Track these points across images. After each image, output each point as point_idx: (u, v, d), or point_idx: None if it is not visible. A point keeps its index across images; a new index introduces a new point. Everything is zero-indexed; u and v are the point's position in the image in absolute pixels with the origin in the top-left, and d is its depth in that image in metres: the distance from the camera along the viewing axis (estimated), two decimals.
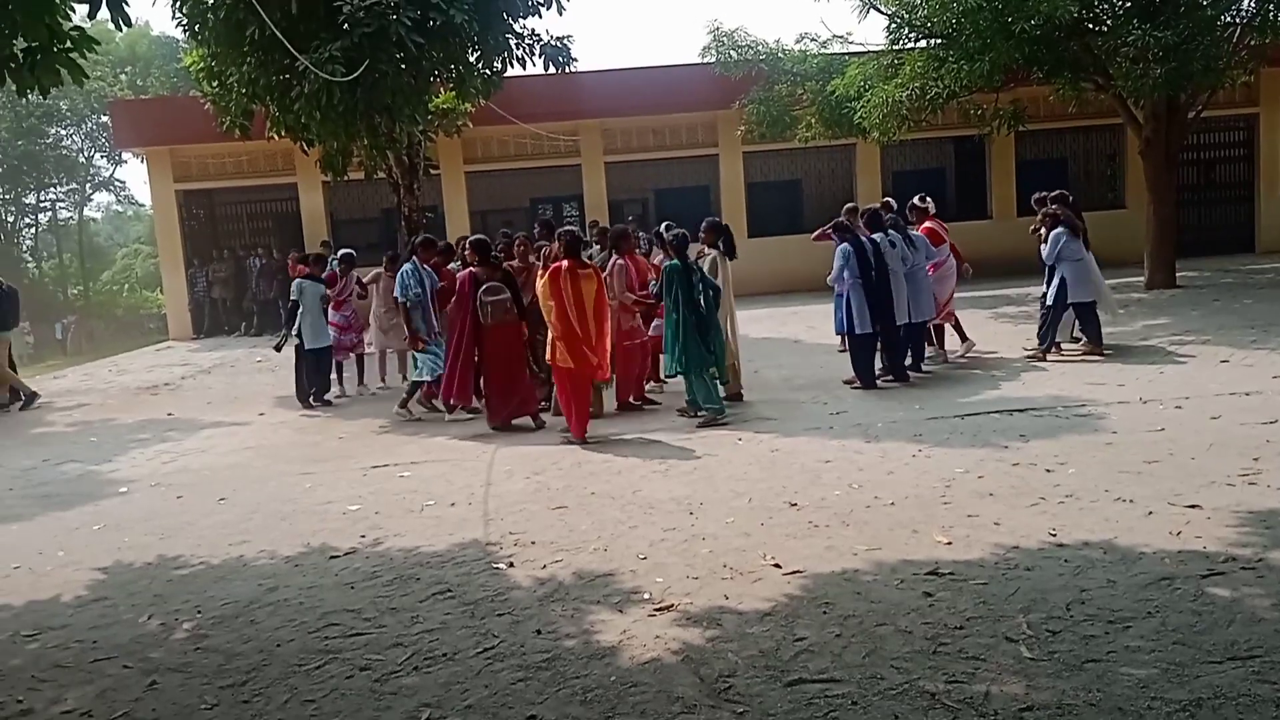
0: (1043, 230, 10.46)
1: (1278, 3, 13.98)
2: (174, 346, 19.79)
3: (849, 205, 10.92)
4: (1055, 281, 10.11)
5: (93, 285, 44.64)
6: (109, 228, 57.42)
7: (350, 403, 11.22)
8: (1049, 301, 10.25)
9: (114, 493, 7.73)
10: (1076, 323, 10.52)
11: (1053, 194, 10.53)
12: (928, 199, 10.94)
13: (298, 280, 11.16)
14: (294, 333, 10.81)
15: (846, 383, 9.73)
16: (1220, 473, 5.98)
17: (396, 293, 9.72)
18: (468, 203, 21.01)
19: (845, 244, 9.43)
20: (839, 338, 11.21)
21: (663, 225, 10.06)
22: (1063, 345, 10.54)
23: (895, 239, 9.72)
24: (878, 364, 9.68)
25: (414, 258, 9.95)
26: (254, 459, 8.66)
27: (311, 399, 11.01)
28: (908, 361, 9.92)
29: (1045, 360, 10.23)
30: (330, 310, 11.17)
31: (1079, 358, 10.22)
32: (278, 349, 11.27)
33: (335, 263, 12.02)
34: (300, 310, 10.76)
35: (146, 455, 9.15)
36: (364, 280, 11.66)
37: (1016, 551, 4.91)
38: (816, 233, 10.64)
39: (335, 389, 11.53)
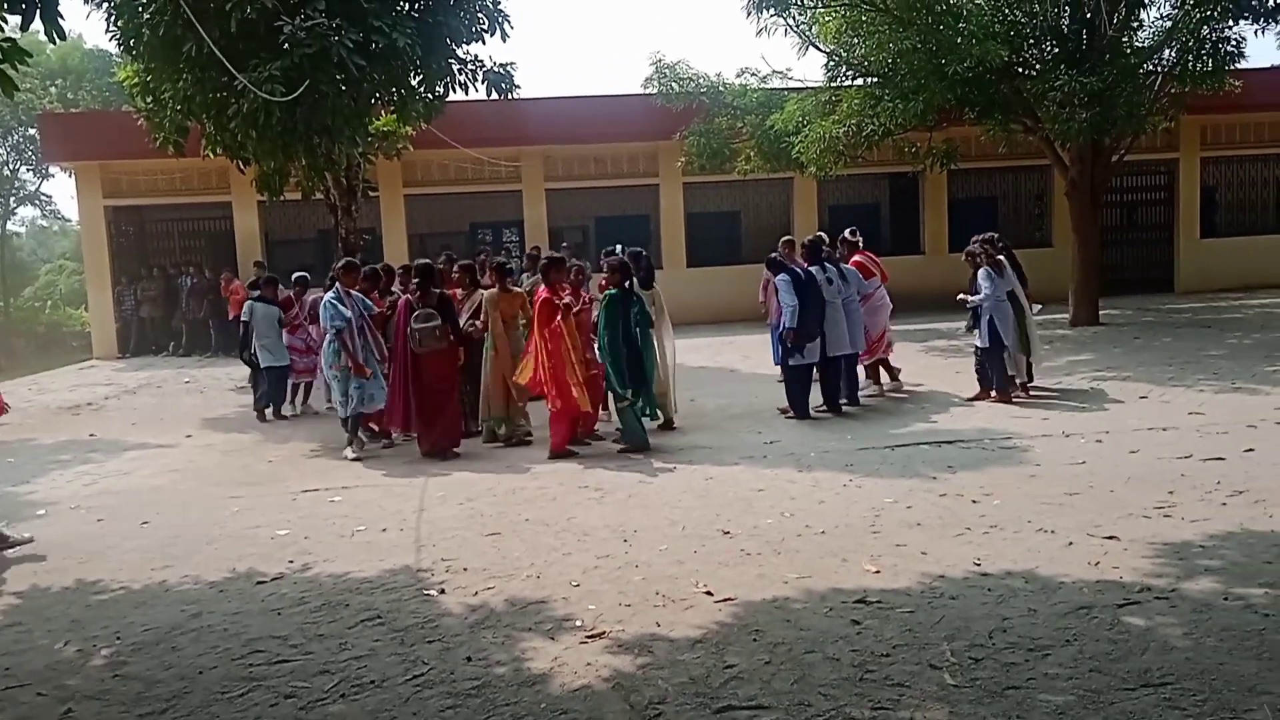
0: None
1: (1197, 54, 14.62)
2: (98, 365, 19.27)
3: (785, 238, 11.11)
4: (985, 323, 9.88)
5: (13, 301, 43.29)
6: (32, 242, 55.79)
7: (283, 425, 11.02)
8: (983, 344, 9.96)
9: (32, 515, 7.49)
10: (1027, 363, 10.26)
11: (982, 236, 10.29)
12: (857, 233, 11.13)
13: (249, 302, 11.28)
14: (251, 353, 11.12)
15: (781, 412, 9.84)
16: (1137, 505, 6.17)
17: (323, 323, 9.20)
18: (406, 226, 20.86)
19: (784, 275, 9.55)
20: (778, 368, 11.42)
21: (617, 247, 10.15)
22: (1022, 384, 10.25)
23: (831, 273, 9.88)
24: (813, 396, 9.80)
25: (336, 284, 9.26)
26: (179, 481, 8.47)
27: (268, 413, 11.32)
28: (842, 393, 10.05)
29: (1012, 402, 9.89)
30: (285, 334, 11.16)
31: (982, 402, 10.00)
32: (247, 364, 11.53)
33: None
34: (253, 332, 10.97)
35: (67, 477, 8.89)
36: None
37: (942, 580, 5.01)
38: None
39: (286, 408, 11.59)
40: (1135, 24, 15.87)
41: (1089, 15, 15.01)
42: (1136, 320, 16.76)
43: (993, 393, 10.01)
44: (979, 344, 10.04)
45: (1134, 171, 21.55)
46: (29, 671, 4.49)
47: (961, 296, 10.35)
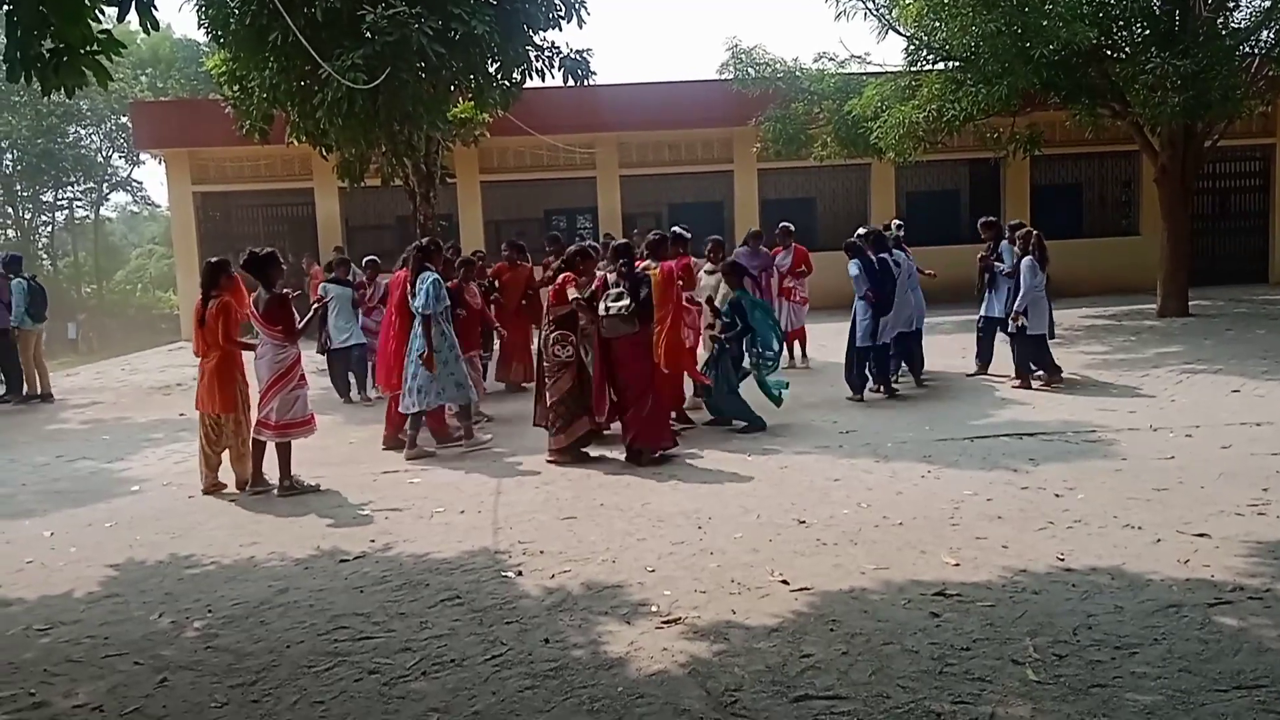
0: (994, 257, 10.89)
1: None
2: (186, 347, 19.80)
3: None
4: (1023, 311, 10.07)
5: (106, 284, 44.88)
6: (124, 227, 57.72)
7: (363, 408, 11.24)
8: (1033, 330, 10.17)
9: (126, 491, 7.79)
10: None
11: (1014, 223, 11.04)
12: (902, 227, 11.72)
13: (324, 283, 11.55)
14: (325, 337, 11.37)
15: (850, 400, 9.99)
16: (1229, 502, 5.98)
17: (424, 303, 8.49)
18: (482, 212, 21.11)
19: (856, 260, 9.90)
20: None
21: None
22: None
23: (900, 258, 10.27)
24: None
25: (427, 266, 8.64)
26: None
27: (355, 395, 11.62)
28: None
29: (1045, 387, 10.19)
30: (361, 314, 11.42)
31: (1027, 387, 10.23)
32: (320, 351, 11.65)
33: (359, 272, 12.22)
34: (330, 311, 11.15)
35: (159, 454, 9.22)
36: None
37: (1024, 575, 4.92)
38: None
39: (372, 391, 11.64)
40: (1231, 4, 15.29)
41: None
42: (1228, 311, 16.21)
43: (1035, 381, 10.33)
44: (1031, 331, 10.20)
45: (1228, 157, 20.84)
46: (126, 641, 4.66)
47: (982, 256, 11.02)
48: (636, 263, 8.47)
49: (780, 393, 9.05)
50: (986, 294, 10.93)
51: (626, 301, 7.75)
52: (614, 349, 7.90)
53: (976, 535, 5.59)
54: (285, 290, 7.65)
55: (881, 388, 10.19)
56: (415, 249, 8.64)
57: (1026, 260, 10.02)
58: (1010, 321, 10.20)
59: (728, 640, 4.29)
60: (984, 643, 4.14)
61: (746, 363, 9.06)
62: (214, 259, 7.76)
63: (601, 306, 7.84)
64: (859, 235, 10.40)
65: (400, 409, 8.60)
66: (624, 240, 9.67)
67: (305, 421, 7.54)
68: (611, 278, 8.05)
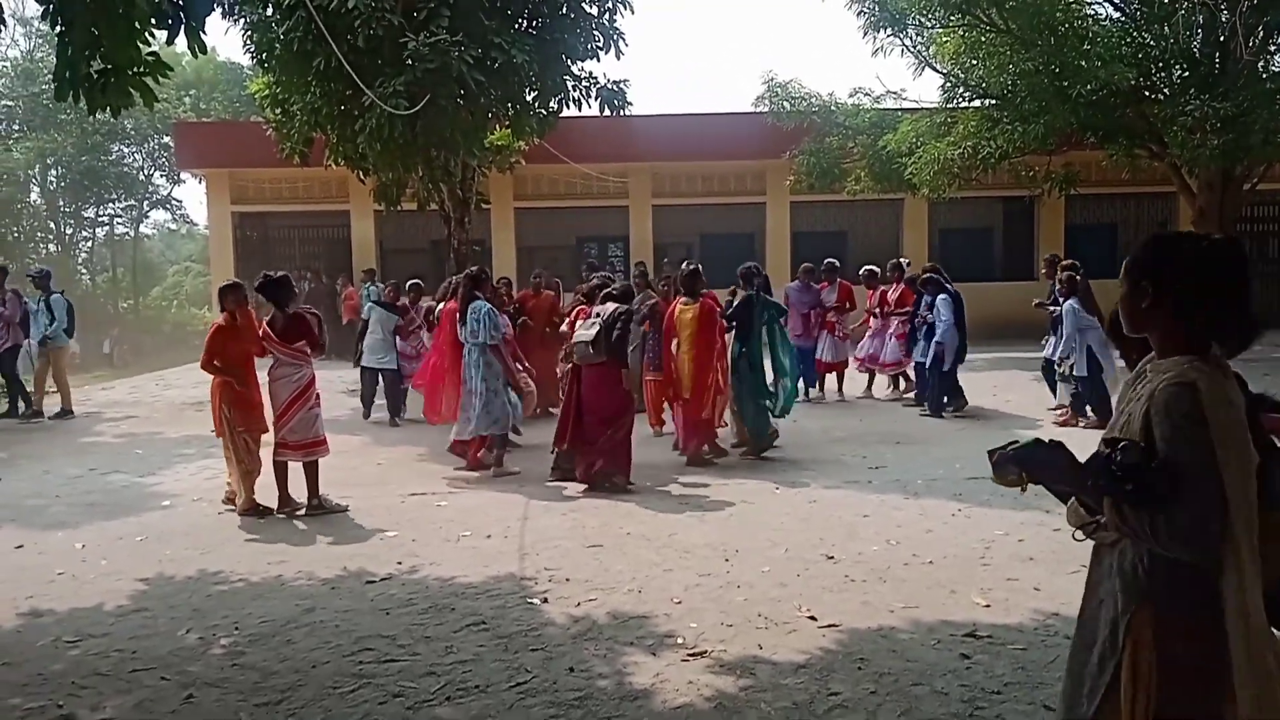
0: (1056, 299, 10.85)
1: None
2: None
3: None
4: (1084, 353, 9.94)
5: (142, 300, 45.46)
6: (161, 245, 58.47)
7: (392, 430, 11.29)
8: (1079, 373, 10.04)
9: (157, 505, 7.85)
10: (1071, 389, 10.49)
11: (1064, 261, 10.97)
12: (910, 263, 12.72)
13: (370, 303, 11.80)
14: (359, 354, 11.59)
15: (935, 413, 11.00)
16: None
17: (482, 333, 8.54)
18: (515, 238, 21.25)
19: (944, 295, 10.72)
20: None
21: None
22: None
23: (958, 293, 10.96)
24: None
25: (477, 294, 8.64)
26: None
27: (400, 417, 11.60)
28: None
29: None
30: (398, 339, 11.46)
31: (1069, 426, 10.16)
32: (355, 365, 11.94)
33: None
34: (367, 330, 11.41)
35: (190, 470, 9.30)
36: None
37: (1056, 618, 4.83)
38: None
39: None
40: (1273, 47, 15.20)
41: (1223, 38, 14.43)
42: (1265, 356, 15.91)
43: (1081, 419, 10.17)
44: (1078, 372, 10.09)
45: (1266, 200, 20.63)
46: (153, 656, 4.68)
47: (1039, 303, 11.34)
48: (674, 300, 9.15)
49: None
50: (1049, 336, 11.03)
51: (593, 332, 7.86)
52: (582, 376, 8.02)
53: (1008, 576, 5.51)
54: (300, 309, 7.75)
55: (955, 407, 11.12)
56: (466, 278, 8.71)
57: (1069, 304, 9.93)
58: (1063, 363, 10.13)
59: (754, 675, 4.25)
60: (1015, 687, 4.08)
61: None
62: (229, 281, 7.99)
63: (577, 332, 8.11)
64: (930, 268, 11.38)
65: (465, 435, 8.67)
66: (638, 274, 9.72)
67: (323, 440, 7.64)
68: (597, 307, 8.19)
